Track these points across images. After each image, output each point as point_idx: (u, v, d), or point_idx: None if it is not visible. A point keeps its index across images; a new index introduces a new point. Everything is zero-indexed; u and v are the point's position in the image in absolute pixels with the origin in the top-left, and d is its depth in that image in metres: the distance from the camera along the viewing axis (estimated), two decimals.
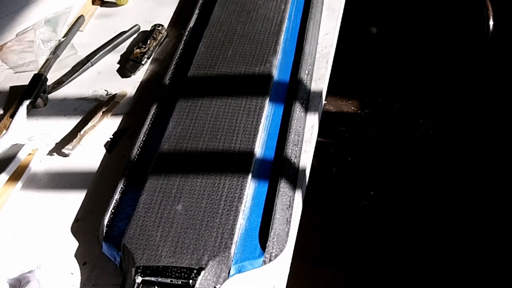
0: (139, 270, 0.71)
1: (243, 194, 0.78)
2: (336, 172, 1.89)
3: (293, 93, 0.95)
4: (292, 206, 0.80)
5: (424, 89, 2.09)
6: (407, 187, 1.82)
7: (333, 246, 1.70)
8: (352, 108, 2.08)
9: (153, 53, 1.11)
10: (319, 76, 1.02)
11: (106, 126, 0.98)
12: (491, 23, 1.53)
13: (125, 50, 1.13)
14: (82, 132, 0.95)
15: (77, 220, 0.84)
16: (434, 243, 1.67)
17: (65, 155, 0.94)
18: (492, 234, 1.67)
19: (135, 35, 1.16)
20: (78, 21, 1.19)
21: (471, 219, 1.71)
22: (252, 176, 0.81)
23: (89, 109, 1.02)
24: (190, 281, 0.69)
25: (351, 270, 1.65)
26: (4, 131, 0.96)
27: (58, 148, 0.95)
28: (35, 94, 1.02)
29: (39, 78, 1.05)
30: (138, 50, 1.09)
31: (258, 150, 0.85)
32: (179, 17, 1.20)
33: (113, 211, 0.82)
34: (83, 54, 1.12)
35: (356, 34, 2.24)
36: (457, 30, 1.98)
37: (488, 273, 1.60)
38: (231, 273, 0.72)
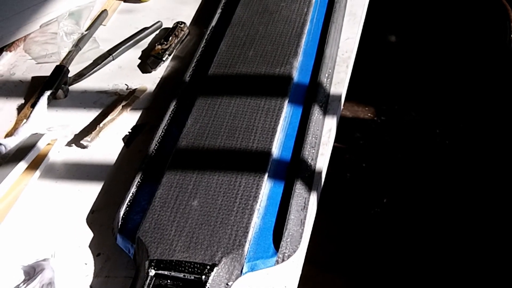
0: (152, 264, 0.71)
1: (259, 193, 0.78)
2: (350, 178, 1.88)
3: (312, 95, 0.95)
4: (307, 207, 0.81)
5: (441, 99, 2.08)
6: (420, 196, 1.81)
7: (342, 252, 1.70)
8: (369, 114, 2.08)
9: (174, 50, 1.12)
10: (338, 80, 1.02)
11: (125, 120, 0.99)
12: None
13: (146, 46, 1.14)
14: (101, 124, 0.96)
15: (92, 212, 0.85)
16: (446, 254, 1.66)
17: (83, 147, 0.95)
18: (509, 244, 1.66)
19: (157, 32, 1.17)
20: (101, 16, 1.20)
21: (485, 230, 1.70)
22: (268, 176, 0.81)
23: (108, 102, 1.02)
24: (203, 276, 0.69)
25: (359, 277, 1.64)
26: (25, 120, 0.98)
27: (77, 140, 0.96)
28: (56, 85, 1.03)
29: (60, 70, 1.06)
30: (159, 47, 1.10)
31: (275, 150, 0.85)
32: (201, 15, 1.20)
33: (129, 204, 0.82)
34: (105, 48, 1.13)
35: (376, 41, 2.24)
36: (479, 41, 1.97)
37: (499, 281, 1.58)
38: (244, 271, 0.72)
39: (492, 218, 1.73)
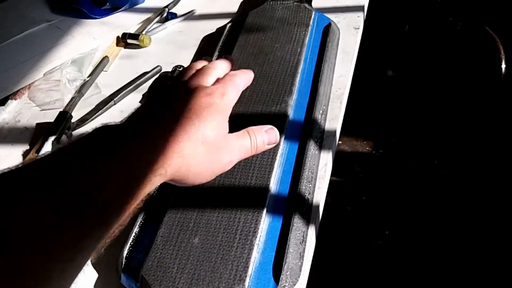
0: None
1: (258, 229, 0.81)
2: (351, 211, 1.90)
3: (307, 131, 0.98)
4: (305, 240, 0.83)
5: (438, 130, 2.11)
6: (421, 226, 1.82)
7: (345, 285, 1.70)
8: (367, 148, 2.11)
9: None
10: (333, 116, 1.05)
11: None
12: (503, 66, 1.56)
13: (147, 89, 1.18)
14: None
15: (97, 252, 0.87)
16: (450, 285, 1.66)
17: None
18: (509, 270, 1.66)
19: (156, 76, 1.21)
20: (103, 62, 1.24)
21: (488, 262, 1.70)
22: (266, 211, 0.84)
23: None
24: None
25: None
26: None
27: None
28: (60, 130, 1.06)
29: (64, 116, 1.09)
30: None
31: (273, 186, 0.88)
32: (199, 59, 1.24)
33: (132, 243, 0.84)
34: (107, 93, 1.16)
35: (372, 76, 2.28)
36: (471, 72, 2.01)
37: None
38: None
39: (496, 248, 1.74)
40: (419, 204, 1.88)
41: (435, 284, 1.65)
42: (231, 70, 0.90)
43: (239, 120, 1.00)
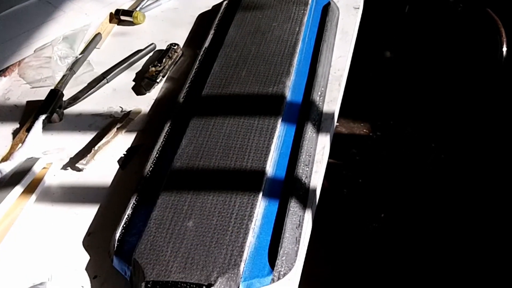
0: (149, 285, 0.71)
1: (254, 212, 0.79)
2: (347, 193, 1.89)
3: (305, 114, 0.96)
4: (301, 225, 0.81)
5: (436, 113, 2.09)
6: (418, 209, 1.81)
7: (342, 269, 1.70)
8: (364, 130, 2.09)
9: (168, 72, 1.13)
10: (331, 98, 1.03)
11: (120, 143, 1.00)
12: (504, 49, 1.54)
13: (140, 68, 1.15)
14: (96, 147, 0.97)
15: (89, 234, 0.85)
16: (445, 268, 1.66)
17: (79, 170, 0.95)
18: (507, 253, 1.66)
19: (150, 54, 1.18)
20: (95, 39, 1.21)
21: (484, 243, 1.70)
22: (262, 195, 0.82)
23: (103, 125, 1.03)
24: None
25: None
26: (20, 144, 0.98)
27: (72, 163, 0.96)
28: (51, 109, 1.04)
29: (55, 94, 1.07)
30: (153, 69, 1.11)
31: (269, 169, 0.86)
32: (195, 37, 1.22)
33: (124, 226, 0.82)
34: (99, 71, 1.14)
35: (370, 57, 2.26)
36: (471, 55, 1.99)
37: None
38: None
39: (490, 231, 1.73)
40: (415, 187, 1.87)
41: (431, 267, 1.65)
42: None
43: (235, 101, 0.98)
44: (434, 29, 2.17)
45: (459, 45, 2.07)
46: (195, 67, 1.09)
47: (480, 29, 1.78)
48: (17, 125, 1.05)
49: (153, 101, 1.07)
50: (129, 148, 0.98)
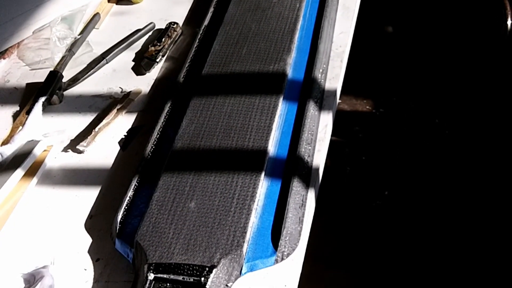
0: (151, 267, 0.71)
1: (256, 193, 0.78)
2: (350, 171, 1.88)
3: (307, 91, 0.94)
4: (305, 205, 0.80)
5: (440, 89, 2.07)
6: (421, 187, 1.81)
7: (345, 247, 1.70)
8: (367, 107, 2.07)
9: (168, 51, 1.11)
10: (333, 75, 1.01)
11: (121, 124, 0.99)
12: (509, 22, 1.51)
13: (140, 48, 1.14)
14: (96, 129, 0.96)
15: (90, 217, 0.85)
16: (448, 246, 1.66)
17: (80, 152, 0.94)
18: (509, 236, 1.65)
19: (150, 33, 1.17)
20: (94, 19, 1.19)
21: (486, 221, 1.70)
22: (265, 175, 0.81)
23: (104, 106, 1.02)
24: (202, 278, 0.69)
25: (362, 272, 1.64)
26: (20, 127, 0.97)
27: (73, 145, 0.95)
28: (50, 91, 1.03)
29: (55, 75, 1.06)
30: (152, 48, 1.10)
31: (271, 148, 0.85)
32: (194, 15, 1.20)
33: (126, 208, 0.82)
34: (99, 51, 1.12)
35: (372, 33, 2.23)
36: (475, 29, 1.96)
37: (500, 276, 1.58)
38: (243, 271, 0.72)
39: (493, 209, 1.73)
40: (419, 164, 1.86)
41: (434, 244, 1.65)
42: None
43: (236, 80, 0.97)
44: (437, 3, 2.14)
45: (463, 19, 2.04)
46: (195, 45, 1.08)
47: (484, 2, 1.75)
48: (17, 108, 1.04)
49: (153, 81, 1.06)
50: (129, 129, 0.98)
